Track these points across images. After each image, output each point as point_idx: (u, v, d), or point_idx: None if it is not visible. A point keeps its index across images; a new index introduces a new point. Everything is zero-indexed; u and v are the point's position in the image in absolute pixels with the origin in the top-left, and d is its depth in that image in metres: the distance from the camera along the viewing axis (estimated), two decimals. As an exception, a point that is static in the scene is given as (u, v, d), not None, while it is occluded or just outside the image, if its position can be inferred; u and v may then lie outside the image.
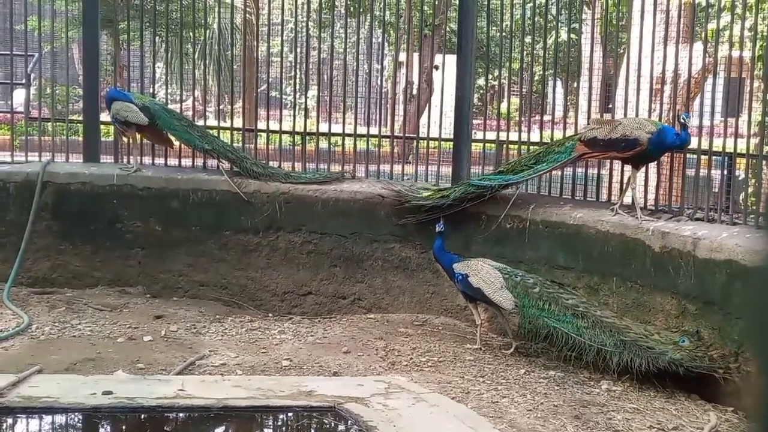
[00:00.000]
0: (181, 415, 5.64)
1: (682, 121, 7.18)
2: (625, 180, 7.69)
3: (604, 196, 8.19)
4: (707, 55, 8.22)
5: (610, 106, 9.35)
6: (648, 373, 6.24)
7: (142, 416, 5.58)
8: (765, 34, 7.51)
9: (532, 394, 6.10)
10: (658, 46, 7.94)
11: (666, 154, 7.58)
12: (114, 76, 10.23)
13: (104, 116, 9.19)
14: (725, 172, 7.45)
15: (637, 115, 8.11)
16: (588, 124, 8.06)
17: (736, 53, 7.88)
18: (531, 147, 8.62)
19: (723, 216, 7.08)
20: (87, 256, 8.55)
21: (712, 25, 9.07)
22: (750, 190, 7.76)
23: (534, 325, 6.87)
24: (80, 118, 9.82)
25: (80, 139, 9.53)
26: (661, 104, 8.33)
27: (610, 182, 8.39)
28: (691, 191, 7.56)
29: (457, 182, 8.55)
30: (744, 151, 7.34)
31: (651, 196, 7.82)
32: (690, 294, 6.52)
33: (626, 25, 10.08)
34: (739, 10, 7.49)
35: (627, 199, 7.61)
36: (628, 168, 7.64)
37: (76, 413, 5.58)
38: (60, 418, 5.66)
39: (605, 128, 7.44)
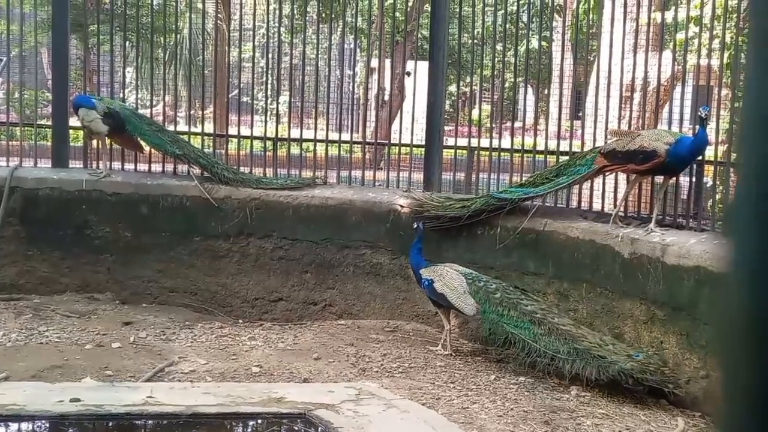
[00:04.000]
0: (149, 422, 5.59)
1: (700, 115, 6.87)
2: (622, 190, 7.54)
3: (573, 203, 8.23)
4: (676, 64, 8.30)
5: (581, 113, 9.41)
6: (616, 381, 6.27)
7: (110, 424, 5.53)
8: (733, 43, 7.58)
9: (502, 399, 6.12)
10: (628, 54, 8.00)
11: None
12: (83, 80, 10.14)
13: (73, 121, 9.11)
14: (694, 179, 7.51)
15: (606, 122, 8.16)
16: (607, 136, 7.93)
17: (704, 62, 7.96)
18: (502, 153, 8.64)
19: (691, 222, 7.13)
20: (55, 262, 8.47)
21: (681, 35, 9.16)
22: (718, 197, 7.84)
23: (494, 331, 6.93)
24: (49, 123, 9.73)
25: (49, 144, 9.45)
26: (631, 111, 8.41)
27: (580, 189, 8.42)
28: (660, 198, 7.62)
29: (429, 187, 8.55)
30: (712, 159, 7.40)
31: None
32: (658, 300, 6.57)
33: (596, 33, 10.16)
34: (707, 20, 7.57)
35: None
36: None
37: (43, 421, 5.52)
38: (27, 426, 5.58)
39: (624, 140, 7.25)
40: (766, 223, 0.76)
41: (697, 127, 7.09)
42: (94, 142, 8.91)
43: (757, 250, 0.77)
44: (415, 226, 7.58)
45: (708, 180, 7.77)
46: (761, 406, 0.76)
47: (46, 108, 12.34)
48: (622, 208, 7.51)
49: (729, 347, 0.80)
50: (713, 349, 5.76)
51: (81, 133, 9.40)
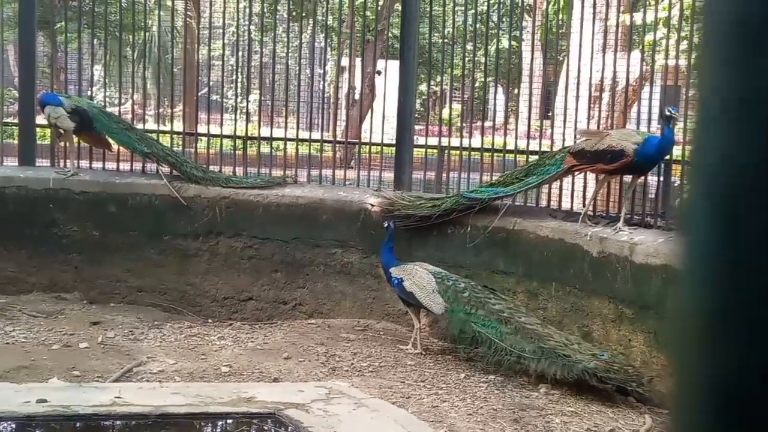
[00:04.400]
0: (118, 423, 5.54)
1: (667, 114, 6.90)
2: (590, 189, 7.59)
3: (543, 202, 8.27)
4: (645, 64, 8.36)
5: (550, 113, 9.45)
6: (582, 380, 6.30)
7: (78, 424, 5.48)
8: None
9: (472, 398, 6.14)
10: (597, 54, 8.06)
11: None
12: (51, 78, 10.04)
13: (40, 119, 9.02)
14: (662, 178, 7.57)
15: (575, 122, 8.20)
16: (576, 136, 7.97)
17: (672, 62, 8.03)
18: (472, 152, 8.66)
19: (659, 221, 7.19)
20: (22, 261, 8.37)
21: (649, 36, 9.23)
22: (686, 196, 7.90)
23: (462, 330, 6.95)
24: (15, 121, 9.63)
25: (15, 142, 9.34)
26: (600, 111, 8.46)
27: (550, 188, 8.46)
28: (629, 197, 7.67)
29: (399, 186, 8.56)
30: (680, 158, 7.46)
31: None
32: (627, 298, 6.62)
33: (566, 33, 10.22)
34: (675, 21, 7.64)
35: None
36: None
37: (9, 422, 5.45)
38: (-8, 427, 5.52)
39: (593, 140, 7.29)
40: (718, 221, 0.77)
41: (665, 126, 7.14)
42: (62, 142, 8.82)
43: (709, 248, 0.77)
44: (386, 225, 7.58)
45: (676, 179, 7.84)
46: (713, 402, 0.77)
47: (13, 106, 12.22)
48: (591, 208, 7.56)
49: (682, 345, 0.81)
50: (668, 347, 5.82)
51: (48, 131, 9.31)
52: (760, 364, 0.73)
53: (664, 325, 6.11)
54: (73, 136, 8.67)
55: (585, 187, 7.96)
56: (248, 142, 9.41)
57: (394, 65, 9.51)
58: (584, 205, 7.65)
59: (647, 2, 8.55)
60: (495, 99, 10.54)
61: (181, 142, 9.32)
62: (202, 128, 10.01)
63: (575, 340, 6.67)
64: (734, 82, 0.75)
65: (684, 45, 7.53)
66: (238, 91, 10.20)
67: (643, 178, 7.46)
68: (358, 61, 12.65)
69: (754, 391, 0.73)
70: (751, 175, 0.74)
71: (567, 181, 8.02)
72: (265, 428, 5.58)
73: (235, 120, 9.36)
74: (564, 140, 8.18)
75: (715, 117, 0.78)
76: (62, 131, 8.56)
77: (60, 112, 8.35)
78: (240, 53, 10.09)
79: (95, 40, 9.77)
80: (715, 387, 0.76)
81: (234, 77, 10.21)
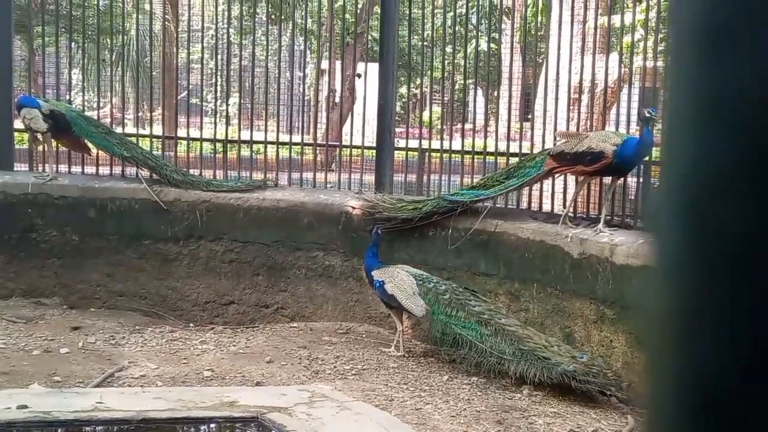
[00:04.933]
0: (99, 428, 5.51)
1: (647, 115, 6.89)
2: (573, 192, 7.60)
3: (524, 204, 8.29)
4: (623, 66, 8.42)
5: (530, 115, 9.49)
6: (561, 382, 6.32)
7: (59, 430, 5.44)
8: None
9: (455, 400, 6.15)
10: (576, 57, 8.10)
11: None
12: (28, 82, 9.97)
13: (18, 123, 8.96)
14: (641, 179, 7.61)
15: (555, 124, 8.24)
16: (555, 138, 7.98)
17: (651, 64, 8.08)
18: (453, 154, 8.68)
19: (639, 223, 7.23)
20: (0, 266, 8.31)
21: (627, 38, 9.29)
22: (656, 195, 7.94)
23: (444, 332, 6.97)
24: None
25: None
26: (579, 113, 8.51)
27: (531, 190, 8.49)
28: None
29: (380, 189, 8.56)
30: (658, 159, 7.49)
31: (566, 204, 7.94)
32: (608, 299, 6.64)
33: (545, 36, 10.26)
34: (653, 24, 7.69)
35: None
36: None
37: (-11, 429, 5.41)
38: (-28, 435, 5.47)
39: (572, 142, 7.30)
40: (688, 221, 0.78)
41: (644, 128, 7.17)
42: (40, 147, 8.75)
43: (678, 248, 0.79)
44: (374, 230, 7.55)
45: (656, 180, 7.88)
46: (686, 403, 0.78)
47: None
48: (571, 209, 7.59)
49: (653, 344, 0.82)
50: (640, 347, 5.86)
51: (26, 135, 9.25)
52: (733, 364, 0.74)
53: (639, 325, 6.14)
54: (52, 140, 8.62)
55: (565, 188, 7.98)
56: (228, 145, 9.39)
57: (373, 68, 9.52)
58: (564, 207, 7.68)
59: (625, 4, 8.61)
60: (475, 101, 10.57)
61: (160, 146, 9.28)
62: (181, 132, 9.96)
63: (555, 342, 6.69)
64: (700, 82, 0.77)
65: (662, 47, 7.58)
66: (218, 94, 10.16)
67: (622, 179, 7.50)
68: (337, 64, 12.64)
69: (728, 392, 0.74)
70: (719, 175, 0.75)
71: (547, 182, 8.05)
72: (248, 432, 5.57)
73: (215, 123, 9.33)
74: (544, 142, 8.20)
75: (683, 118, 0.79)
76: (38, 134, 8.50)
77: (34, 113, 8.31)
78: (219, 56, 10.07)
79: (73, 44, 9.71)
80: (689, 387, 0.77)
81: (213, 80, 10.18)
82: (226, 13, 9.51)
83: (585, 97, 8.73)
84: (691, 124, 0.77)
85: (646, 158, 7.31)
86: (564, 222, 7.32)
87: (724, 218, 0.74)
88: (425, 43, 9.27)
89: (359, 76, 14.94)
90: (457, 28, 9.11)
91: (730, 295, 0.73)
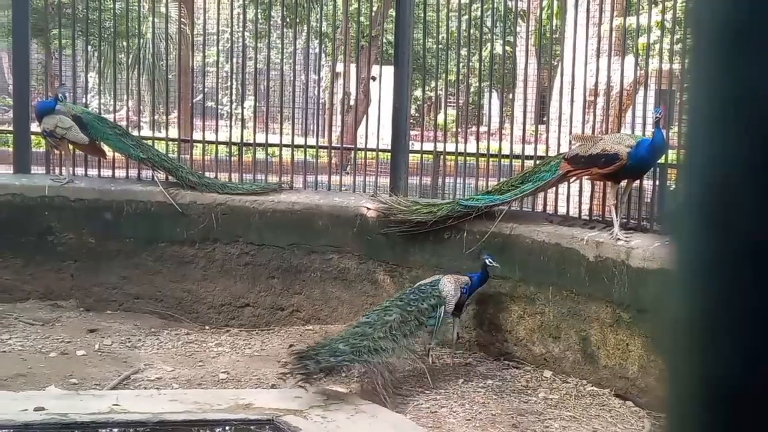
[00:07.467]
0: (115, 430, 5.54)
1: (654, 117, 6.90)
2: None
3: (539, 207, 8.27)
4: (639, 68, 8.38)
5: (545, 118, 9.47)
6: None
7: (76, 432, 5.46)
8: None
9: (470, 403, 6.13)
10: (592, 59, 8.07)
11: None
12: (45, 85, 10.03)
13: (35, 126, 9.01)
14: (657, 182, 7.57)
15: (570, 126, 8.22)
16: (570, 141, 7.93)
17: (667, 66, 8.05)
18: (468, 157, 8.65)
19: (655, 225, 7.19)
20: (17, 269, 8.35)
21: (643, 40, 9.25)
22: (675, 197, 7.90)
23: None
24: (10, 129, 9.61)
25: (10, 149, 9.32)
26: (595, 115, 8.47)
27: (546, 193, 8.46)
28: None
29: (395, 191, 8.54)
30: (676, 162, 7.46)
31: (585, 207, 7.92)
32: (624, 302, 6.61)
33: (560, 38, 10.23)
34: (668, 25, 7.66)
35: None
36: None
37: (7, 430, 5.43)
38: (-11, 436, 5.50)
39: (586, 144, 7.28)
40: (708, 223, 0.77)
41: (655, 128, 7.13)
42: (56, 149, 8.79)
43: (697, 250, 0.78)
44: (487, 261, 7.28)
45: (671, 183, 7.85)
46: (703, 404, 0.77)
47: (7, 113, 12.20)
48: (615, 214, 7.27)
49: (672, 348, 0.81)
50: (659, 350, 5.83)
51: (42, 138, 9.29)
52: (754, 367, 0.73)
53: (657, 328, 6.12)
54: (69, 143, 8.65)
55: (581, 191, 7.96)
56: (243, 148, 9.41)
57: (388, 71, 9.52)
58: (579, 210, 7.64)
59: (641, 6, 8.58)
60: (490, 104, 10.55)
61: (176, 149, 9.31)
62: (197, 135, 9.99)
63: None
64: (720, 84, 0.77)
65: (678, 49, 7.55)
66: (233, 97, 10.18)
67: (638, 182, 7.47)
68: (352, 67, 12.64)
69: (748, 395, 0.74)
70: (740, 177, 0.75)
71: (563, 185, 8.02)
72: (264, 435, 5.58)
73: (230, 126, 9.34)
74: (559, 145, 8.18)
75: (704, 118, 0.79)
76: (70, 145, 8.50)
77: (68, 122, 8.29)
78: (234, 59, 10.08)
79: (89, 47, 9.76)
80: (709, 391, 0.76)
81: (229, 83, 10.21)
82: (241, 16, 9.55)
83: (600, 100, 8.69)
84: (712, 125, 0.77)
85: (661, 160, 7.27)
86: (616, 236, 6.99)
87: (744, 221, 0.73)
88: (440, 46, 9.25)
89: (374, 78, 14.95)
90: (472, 31, 9.10)
91: (751, 298, 0.73)
